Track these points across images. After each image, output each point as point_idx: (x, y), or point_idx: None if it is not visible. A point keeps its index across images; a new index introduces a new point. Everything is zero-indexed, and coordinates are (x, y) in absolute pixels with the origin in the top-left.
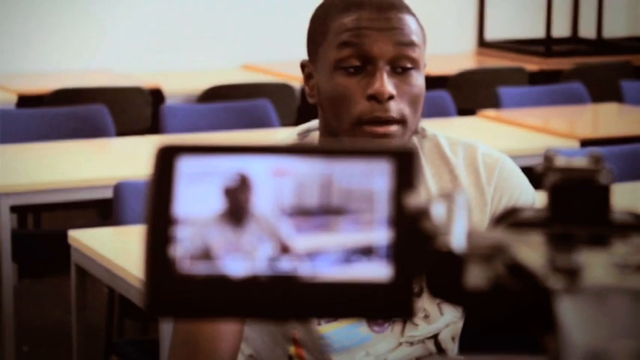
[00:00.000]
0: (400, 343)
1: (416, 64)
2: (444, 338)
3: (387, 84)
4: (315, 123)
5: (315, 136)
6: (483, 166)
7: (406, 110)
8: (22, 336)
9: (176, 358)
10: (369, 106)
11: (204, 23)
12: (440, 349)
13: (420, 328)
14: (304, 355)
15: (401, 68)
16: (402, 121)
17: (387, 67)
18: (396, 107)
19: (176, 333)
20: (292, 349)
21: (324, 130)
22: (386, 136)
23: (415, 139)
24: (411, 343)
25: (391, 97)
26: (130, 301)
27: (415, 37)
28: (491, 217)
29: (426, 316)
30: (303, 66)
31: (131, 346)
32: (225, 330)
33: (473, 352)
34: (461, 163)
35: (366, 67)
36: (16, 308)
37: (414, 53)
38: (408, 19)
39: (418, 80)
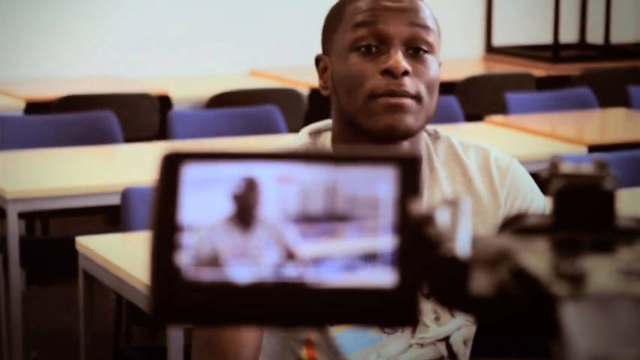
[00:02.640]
0: (411, 345)
1: (431, 49)
2: (456, 341)
3: (402, 60)
4: (326, 123)
5: (327, 136)
6: (496, 169)
7: (422, 89)
8: (30, 342)
9: None
10: (383, 81)
11: (212, 29)
12: (451, 353)
13: (431, 330)
14: (317, 357)
15: (416, 50)
16: (417, 97)
17: (402, 48)
18: (411, 83)
19: (198, 338)
20: (304, 353)
21: (338, 119)
22: (400, 107)
23: (429, 140)
24: (422, 345)
25: (406, 73)
26: (138, 307)
27: (430, 23)
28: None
29: (437, 318)
30: (317, 60)
31: (139, 353)
32: (247, 333)
33: (484, 357)
34: (474, 165)
35: (380, 47)
36: (24, 314)
37: (429, 37)
38: (424, 6)
39: (434, 65)
